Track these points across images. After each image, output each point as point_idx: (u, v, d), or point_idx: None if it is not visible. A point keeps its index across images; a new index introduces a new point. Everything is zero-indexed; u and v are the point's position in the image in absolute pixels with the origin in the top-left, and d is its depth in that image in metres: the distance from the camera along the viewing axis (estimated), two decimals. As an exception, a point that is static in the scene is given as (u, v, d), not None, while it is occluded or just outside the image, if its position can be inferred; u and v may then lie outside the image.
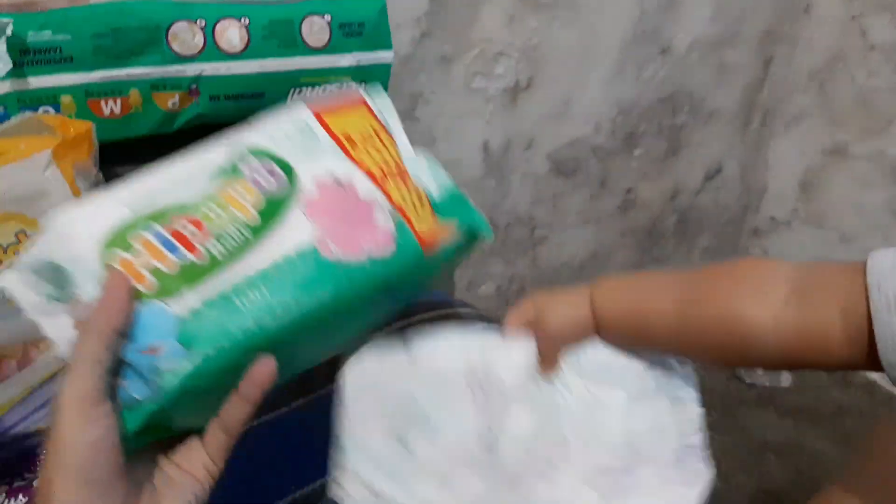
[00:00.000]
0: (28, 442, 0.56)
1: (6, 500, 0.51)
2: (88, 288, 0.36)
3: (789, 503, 1.33)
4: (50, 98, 0.61)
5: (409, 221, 0.42)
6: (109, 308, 0.35)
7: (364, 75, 0.77)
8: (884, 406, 1.55)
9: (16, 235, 0.52)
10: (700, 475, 0.46)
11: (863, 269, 0.37)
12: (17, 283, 0.38)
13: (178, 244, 0.37)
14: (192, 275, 0.36)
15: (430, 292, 0.83)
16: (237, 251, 0.38)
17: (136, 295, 0.36)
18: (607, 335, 0.47)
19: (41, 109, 0.62)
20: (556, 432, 0.45)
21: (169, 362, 0.35)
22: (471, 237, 0.46)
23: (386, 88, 0.81)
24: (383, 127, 0.46)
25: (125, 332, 0.35)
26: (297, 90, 0.72)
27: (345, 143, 0.43)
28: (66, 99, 0.62)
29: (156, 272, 0.36)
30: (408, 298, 0.50)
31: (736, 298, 0.41)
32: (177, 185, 0.39)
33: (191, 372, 0.35)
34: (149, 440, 0.38)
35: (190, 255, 0.37)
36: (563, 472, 0.44)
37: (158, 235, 0.37)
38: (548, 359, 0.46)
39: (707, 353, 0.44)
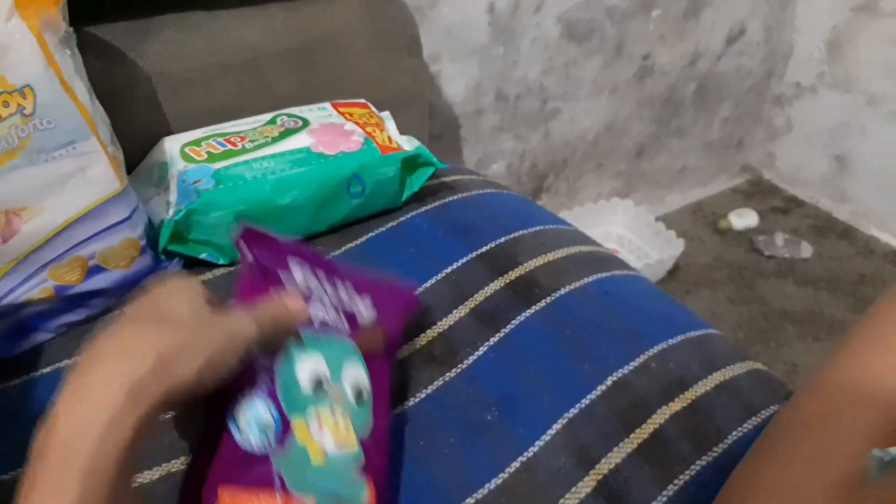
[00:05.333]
0: (20, 313, 0.54)
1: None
2: (174, 171, 0.62)
3: (807, 372, 1.33)
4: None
5: (374, 139, 0.67)
6: None
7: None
8: (907, 273, 1.53)
9: (-19, 94, 0.48)
10: None
11: None
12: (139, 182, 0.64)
13: (226, 143, 0.64)
14: (229, 154, 0.63)
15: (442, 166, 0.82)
16: (259, 147, 0.64)
17: (194, 160, 0.62)
18: None
19: (-1, -40, 0.56)
20: None
21: (204, 185, 0.60)
22: (420, 159, 0.69)
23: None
24: (377, 116, 0.73)
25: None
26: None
27: (346, 115, 0.71)
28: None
29: (209, 153, 0.63)
30: (376, 197, 0.68)
31: None
32: (238, 126, 0.67)
33: (213, 189, 0.60)
34: (179, 252, 0.61)
35: (231, 147, 0.63)
36: None
37: (218, 141, 0.64)
38: None
39: None
